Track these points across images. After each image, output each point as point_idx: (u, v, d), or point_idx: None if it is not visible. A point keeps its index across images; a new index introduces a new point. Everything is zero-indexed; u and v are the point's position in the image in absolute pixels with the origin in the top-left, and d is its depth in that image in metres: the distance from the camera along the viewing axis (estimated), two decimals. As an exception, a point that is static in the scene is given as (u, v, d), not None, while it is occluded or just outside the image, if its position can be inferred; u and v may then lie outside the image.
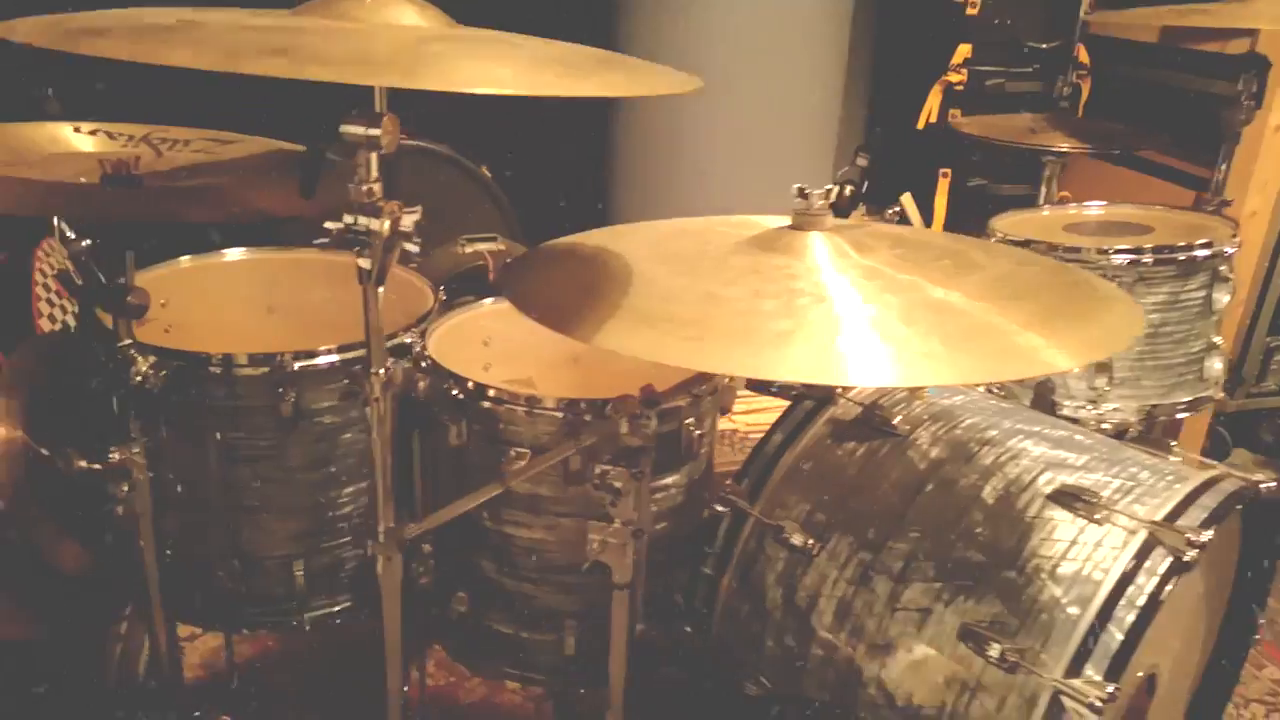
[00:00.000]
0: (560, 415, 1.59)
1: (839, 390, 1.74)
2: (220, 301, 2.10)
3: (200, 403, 1.73)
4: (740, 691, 1.66)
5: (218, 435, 1.74)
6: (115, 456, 1.43)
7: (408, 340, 1.86)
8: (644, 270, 1.26)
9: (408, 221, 1.15)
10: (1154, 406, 2.00)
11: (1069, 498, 1.47)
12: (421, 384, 1.79)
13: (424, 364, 1.77)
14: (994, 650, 1.38)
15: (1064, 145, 2.53)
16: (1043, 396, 2.00)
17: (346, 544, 1.90)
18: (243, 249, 2.15)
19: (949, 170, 3.35)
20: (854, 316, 1.15)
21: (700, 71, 1.38)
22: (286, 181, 1.78)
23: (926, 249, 1.37)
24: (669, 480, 1.71)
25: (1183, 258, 1.96)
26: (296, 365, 1.73)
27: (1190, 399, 2.05)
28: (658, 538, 1.71)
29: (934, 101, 3.32)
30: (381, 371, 1.27)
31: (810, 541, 1.59)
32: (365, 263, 1.18)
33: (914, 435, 1.64)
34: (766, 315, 1.15)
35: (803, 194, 1.30)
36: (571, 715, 2.19)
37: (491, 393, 1.63)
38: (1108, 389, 1.95)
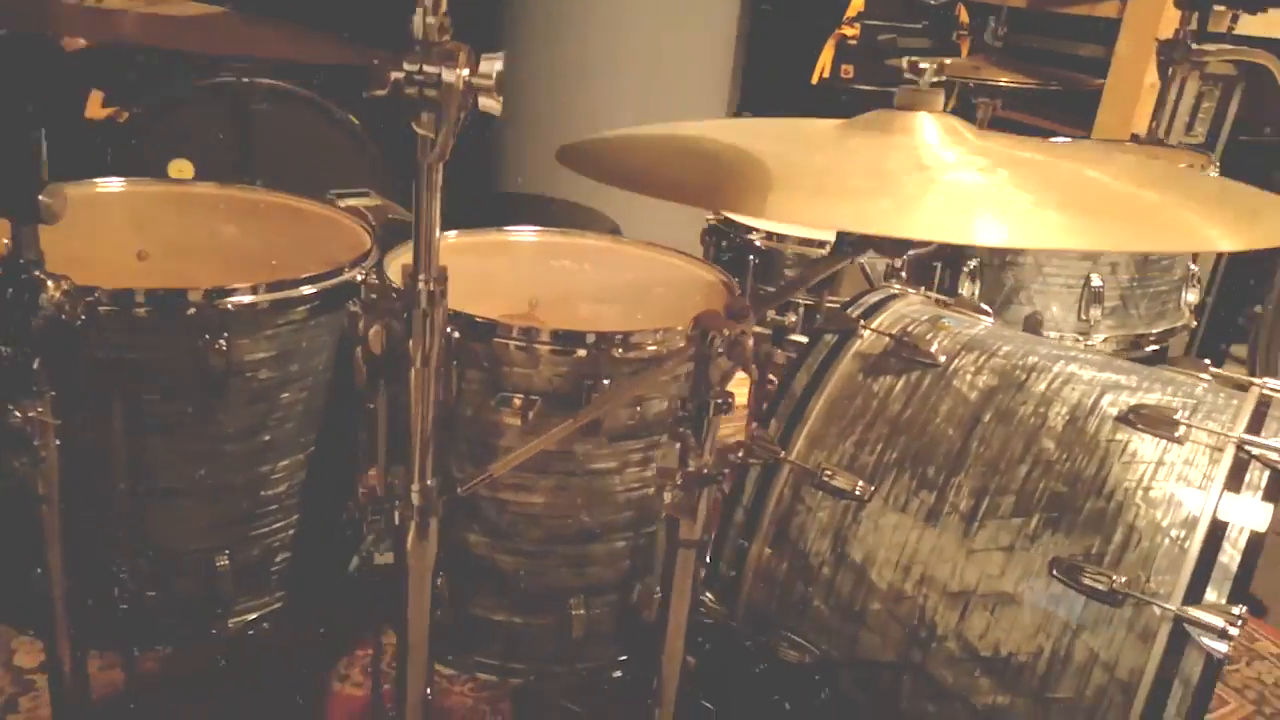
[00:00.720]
0: (597, 353, 1.34)
1: (860, 322, 1.58)
2: (88, 240, 1.69)
3: (98, 356, 1.35)
4: (778, 661, 1.47)
5: (121, 399, 1.37)
6: (17, 416, 1.05)
7: (357, 278, 1.54)
8: (764, 150, 1.04)
9: (489, 69, 0.87)
10: (1139, 336, 1.98)
11: (1140, 418, 1.37)
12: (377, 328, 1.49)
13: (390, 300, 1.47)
14: (1094, 583, 1.26)
15: (1004, 79, 2.48)
16: (1031, 330, 1.94)
17: (279, 529, 1.57)
18: (121, 179, 1.74)
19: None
20: (991, 183, 1.00)
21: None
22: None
23: (1033, 144, 1.23)
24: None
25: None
26: (230, 305, 1.38)
27: (1170, 328, 2.05)
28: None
29: (827, 56, 3.26)
30: (431, 284, 0.98)
31: (860, 485, 1.42)
32: (426, 128, 0.89)
33: (954, 365, 1.50)
34: (910, 179, 0.98)
35: (915, 69, 1.12)
36: (532, 715, 1.92)
37: (517, 331, 1.36)
38: (1100, 319, 1.91)
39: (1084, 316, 1.92)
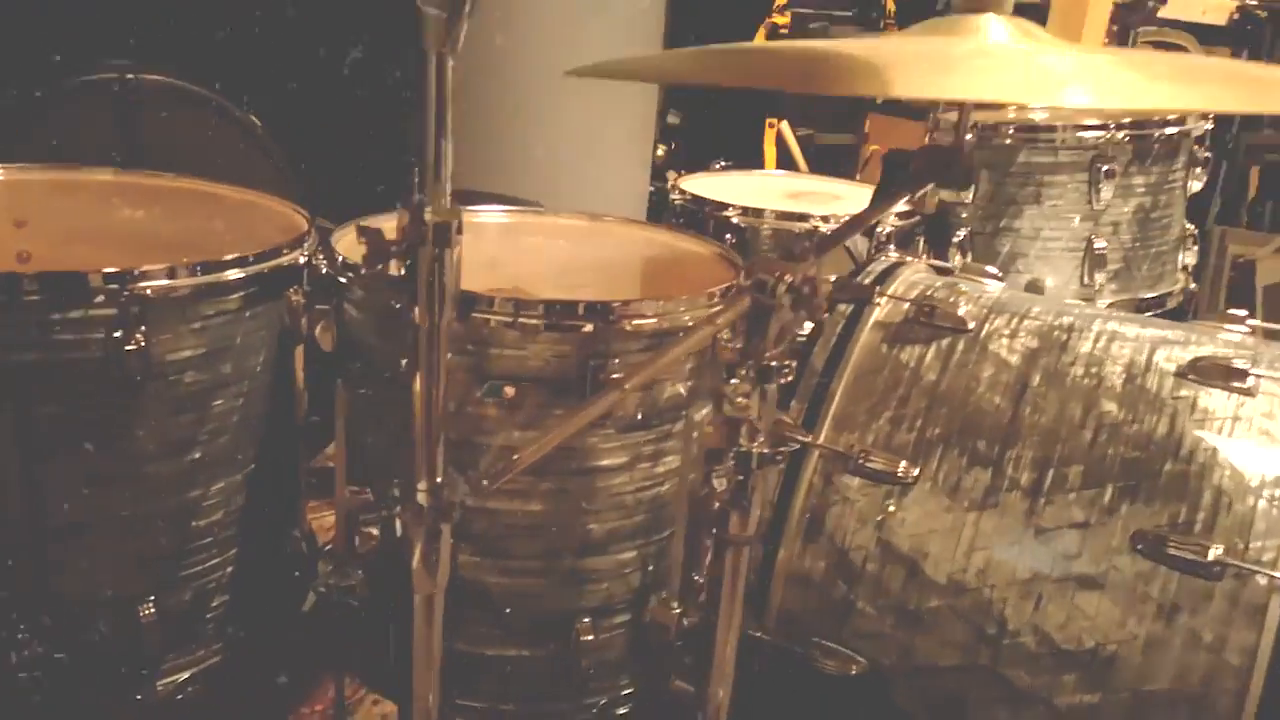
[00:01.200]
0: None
1: (875, 289, 1.41)
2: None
3: (-21, 360, 1.08)
4: (817, 675, 1.27)
5: (9, 411, 1.09)
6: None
7: (300, 259, 1.30)
8: (851, 49, 0.86)
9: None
10: (1141, 300, 1.88)
11: (1201, 372, 1.24)
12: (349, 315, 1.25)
13: (346, 279, 1.23)
14: (1186, 555, 1.11)
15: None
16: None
17: (215, 567, 1.30)
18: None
19: (775, 120, 3.18)
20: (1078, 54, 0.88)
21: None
22: None
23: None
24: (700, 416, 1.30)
25: (1173, 133, 1.85)
26: (148, 290, 1.13)
27: (1168, 291, 1.96)
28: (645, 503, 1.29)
29: (760, 41, 3.13)
30: (442, 218, 0.76)
31: (903, 466, 1.25)
32: (437, 8, 0.68)
33: (986, 329, 1.35)
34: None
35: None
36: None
37: (504, 304, 1.14)
38: (1104, 284, 1.80)
39: (1087, 281, 1.82)
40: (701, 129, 3.51)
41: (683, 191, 1.94)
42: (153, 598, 1.22)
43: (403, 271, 0.80)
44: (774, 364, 0.93)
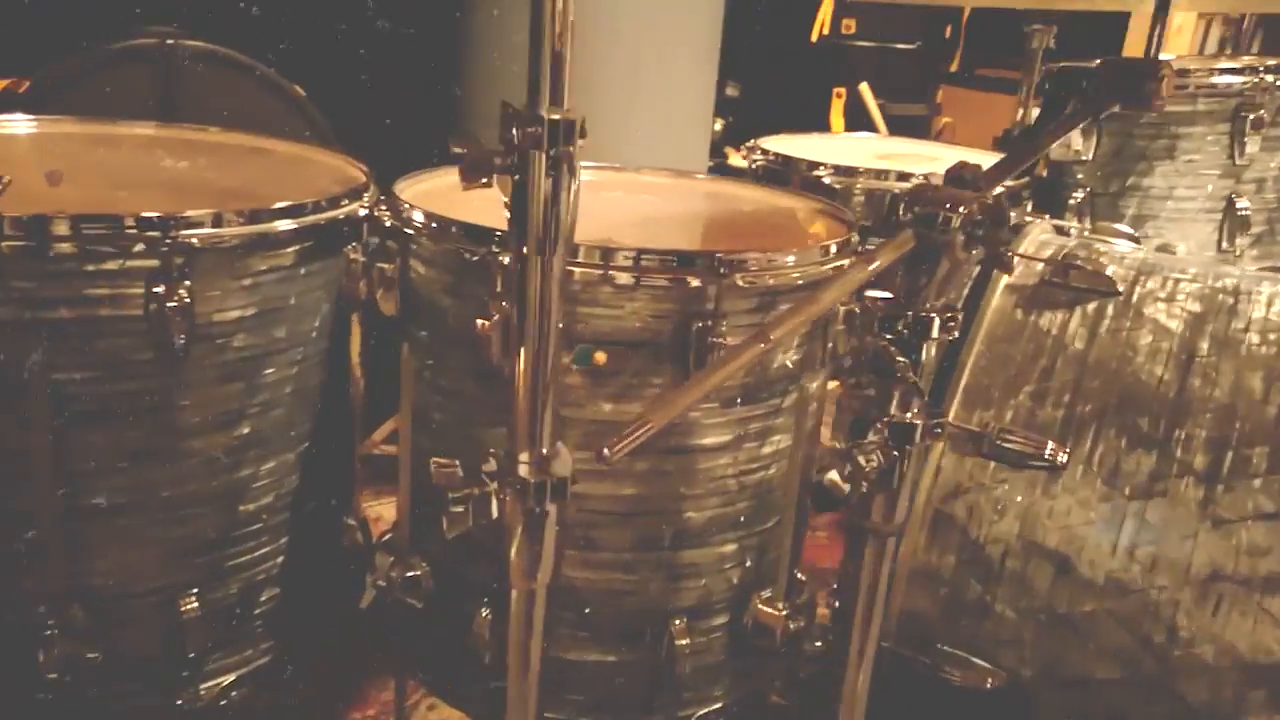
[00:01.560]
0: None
1: (1005, 247, 1.24)
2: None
3: (2, 316, 0.94)
4: (946, 686, 1.11)
5: (38, 378, 0.96)
6: None
7: (360, 211, 1.16)
8: None
9: None
10: (1284, 269, 1.70)
11: (1402, 338, 1.06)
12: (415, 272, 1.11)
13: (413, 228, 1.09)
14: (1406, 554, 0.94)
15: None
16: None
17: (263, 557, 1.16)
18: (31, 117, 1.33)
19: (843, 90, 3.00)
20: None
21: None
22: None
23: None
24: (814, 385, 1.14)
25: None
26: (193, 239, 0.99)
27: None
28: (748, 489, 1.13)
29: (826, 10, 2.96)
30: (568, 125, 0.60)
31: (1051, 447, 1.08)
32: None
33: (1137, 291, 1.18)
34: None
35: None
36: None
37: (595, 254, 0.99)
38: (1245, 248, 1.62)
39: (1227, 245, 1.63)
40: (759, 102, 3.33)
41: (765, 151, 1.78)
42: (195, 591, 1.09)
43: (507, 197, 0.65)
44: (936, 316, 0.77)
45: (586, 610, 1.10)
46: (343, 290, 1.16)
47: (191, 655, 1.10)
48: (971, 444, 1.12)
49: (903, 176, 1.62)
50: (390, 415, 2.20)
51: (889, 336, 0.78)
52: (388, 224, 1.13)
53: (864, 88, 2.21)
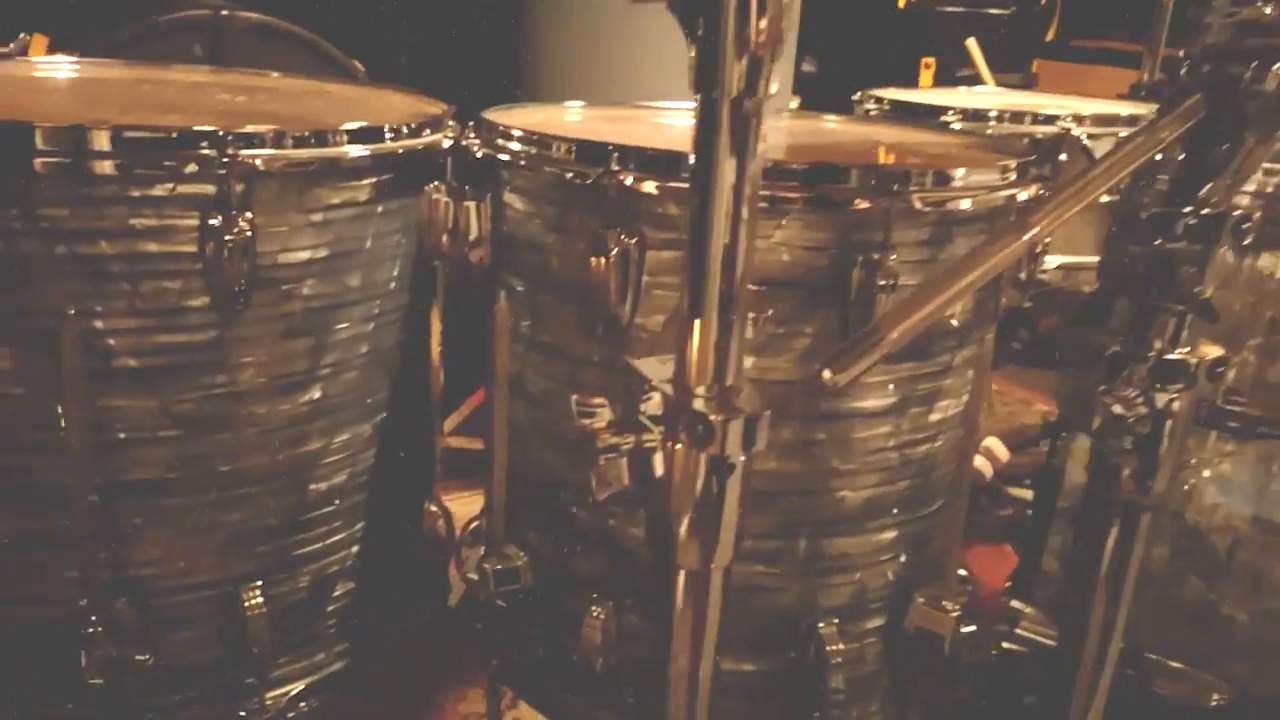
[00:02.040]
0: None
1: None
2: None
3: (31, 250, 0.79)
4: (1158, 701, 0.91)
5: (73, 327, 0.80)
6: None
7: (444, 142, 0.99)
8: None
9: None
10: None
11: None
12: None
13: (508, 154, 0.92)
14: None
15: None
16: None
17: (337, 545, 1.00)
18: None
19: (933, 60, 2.80)
20: None
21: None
22: None
23: None
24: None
25: None
26: (256, 161, 0.83)
27: None
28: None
29: (916, -28, 2.76)
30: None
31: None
32: None
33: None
34: None
35: None
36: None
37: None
38: None
39: None
40: (840, 74, 3.13)
41: (879, 100, 1.59)
42: (259, 583, 0.92)
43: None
44: (1230, 213, 0.58)
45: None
46: (424, 236, 1.00)
47: (255, 659, 0.94)
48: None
49: (1044, 119, 1.42)
50: (461, 402, 2.05)
51: (1160, 243, 0.59)
52: (478, 154, 0.96)
53: (971, 43, 2.03)
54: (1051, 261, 0.99)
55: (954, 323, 0.90)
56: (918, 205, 0.81)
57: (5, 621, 0.86)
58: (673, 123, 1.18)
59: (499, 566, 0.98)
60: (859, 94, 1.69)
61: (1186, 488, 0.90)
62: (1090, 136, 1.39)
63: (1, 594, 0.86)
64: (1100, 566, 0.66)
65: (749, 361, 0.85)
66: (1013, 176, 0.90)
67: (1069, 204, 0.58)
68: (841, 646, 0.92)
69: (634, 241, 0.83)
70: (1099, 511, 0.66)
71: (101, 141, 0.77)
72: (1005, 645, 0.94)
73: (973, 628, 0.96)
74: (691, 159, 0.50)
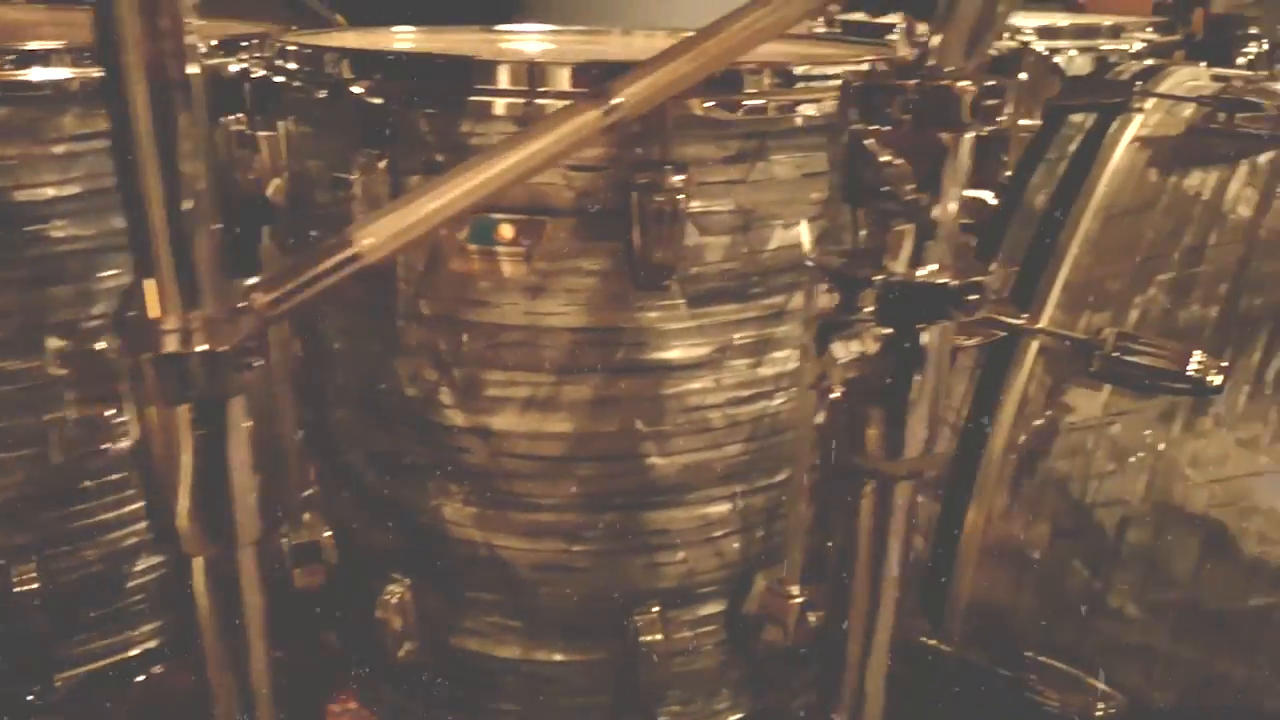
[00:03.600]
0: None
1: (1138, 86, 0.86)
2: None
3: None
4: (1035, 710, 0.76)
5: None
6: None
7: (234, 65, 0.89)
8: None
9: None
10: None
11: None
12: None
13: (284, 75, 0.81)
14: None
15: None
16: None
17: (130, 516, 0.91)
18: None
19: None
20: None
21: None
22: None
23: None
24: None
25: None
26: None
27: None
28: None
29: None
30: None
31: (1198, 363, 0.71)
32: None
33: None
34: None
35: None
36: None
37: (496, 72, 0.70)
38: None
39: None
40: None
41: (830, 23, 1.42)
42: (34, 559, 0.85)
43: None
44: (967, 87, 0.43)
45: (521, 593, 0.81)
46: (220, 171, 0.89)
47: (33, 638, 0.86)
48: (1075, 359, 0.76)
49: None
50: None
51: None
52: (254, 76, 0.85)
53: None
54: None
55: (783, 255, 0.75)
56: (698, 113, 0.67)
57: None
58: (519, 47, 1.05)
59: (296, 541, 0.88)
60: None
61: (1074, 454, 0.74)
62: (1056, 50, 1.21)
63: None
64: (856, 551, 0.52)
65: (522, 305, 0.73)
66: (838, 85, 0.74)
67: (666, 73, 0.44)
68: (661, 636, 0.80)
69: (383, 165, 0.72)
70: (848, 477, 0.52)
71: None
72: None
73: (823, 614, 0.82)
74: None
